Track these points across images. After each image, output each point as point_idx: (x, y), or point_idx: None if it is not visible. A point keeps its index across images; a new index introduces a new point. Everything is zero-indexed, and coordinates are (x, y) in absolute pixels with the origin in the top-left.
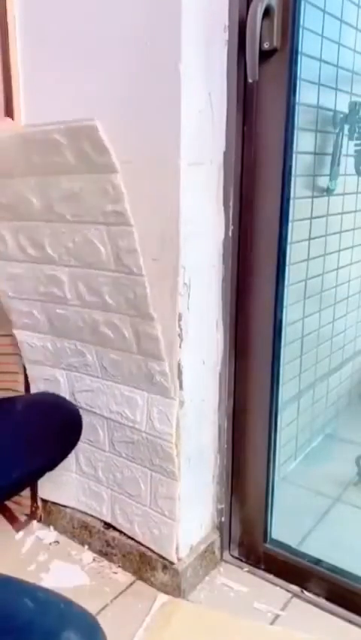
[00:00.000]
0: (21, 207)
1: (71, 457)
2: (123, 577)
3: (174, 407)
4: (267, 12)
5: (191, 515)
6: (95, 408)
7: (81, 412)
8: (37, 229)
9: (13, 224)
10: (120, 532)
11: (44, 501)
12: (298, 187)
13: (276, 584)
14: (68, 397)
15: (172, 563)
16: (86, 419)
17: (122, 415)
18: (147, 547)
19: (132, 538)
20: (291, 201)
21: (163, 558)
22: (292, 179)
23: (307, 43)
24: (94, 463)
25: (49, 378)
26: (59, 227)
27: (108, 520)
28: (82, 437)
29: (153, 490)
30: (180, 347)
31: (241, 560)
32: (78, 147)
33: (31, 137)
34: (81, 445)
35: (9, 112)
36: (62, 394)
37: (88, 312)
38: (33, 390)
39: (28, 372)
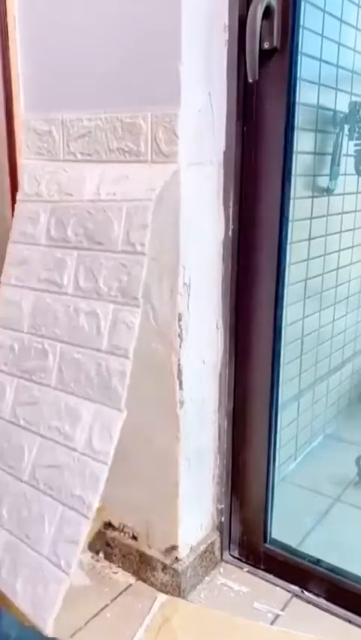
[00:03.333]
0: None
1: None
2: (123, 577)
3: (119, 422)
4: (267, 12)
5: (191, 515)
6: (33, 425)
7: (16, 430)
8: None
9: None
10: (120, 532)
11: None
12: (298, 187)
13: (276, 584)
14: (8, 411)
15: None
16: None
17: (60, 431)
18: (142, 551)
19: (132, 539)
20: (291, 201)
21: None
22: (292, 179)
23: (307, 43)
24: None
25: None
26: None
27: None
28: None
29: (57, 530)
30: (180, 347)
31: (241, 560)
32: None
33: None
34: None
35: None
36: (3, 407)
37: (74, 301)
38: None
39: None
